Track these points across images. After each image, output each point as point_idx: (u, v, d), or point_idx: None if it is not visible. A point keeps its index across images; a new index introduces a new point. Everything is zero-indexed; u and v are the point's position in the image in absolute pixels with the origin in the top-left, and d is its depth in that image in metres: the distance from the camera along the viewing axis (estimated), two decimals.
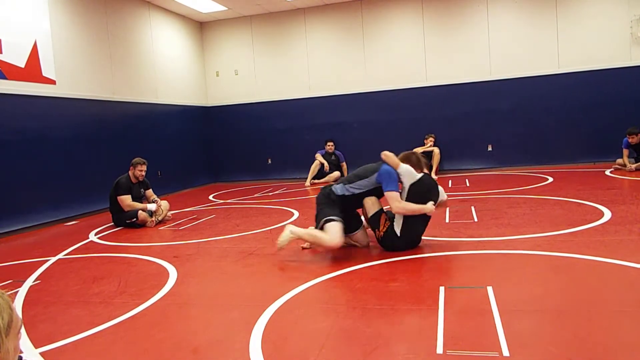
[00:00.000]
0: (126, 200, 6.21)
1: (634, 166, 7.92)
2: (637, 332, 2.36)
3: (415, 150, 9.61)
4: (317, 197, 4.19)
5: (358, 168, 4.25)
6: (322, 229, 3.93)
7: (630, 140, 8.06)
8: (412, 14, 10.07)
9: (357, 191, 4.05)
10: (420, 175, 4.07)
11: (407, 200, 3.95)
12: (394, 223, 3.96)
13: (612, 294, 2.88)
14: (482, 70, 9.78)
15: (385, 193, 3.94)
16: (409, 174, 4.02)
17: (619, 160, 8.24)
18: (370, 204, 4.05)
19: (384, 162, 4.03)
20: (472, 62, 9.80)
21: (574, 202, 5.63)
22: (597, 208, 5.19)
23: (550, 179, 7.75)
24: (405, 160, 4.15)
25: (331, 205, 4.01)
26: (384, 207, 4.10)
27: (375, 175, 3.99)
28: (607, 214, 4.84)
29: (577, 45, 9.30)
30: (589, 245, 3.82)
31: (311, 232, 3.99)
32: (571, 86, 9.35)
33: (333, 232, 3.86)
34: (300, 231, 4.03)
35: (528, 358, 2.14)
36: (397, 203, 3.88)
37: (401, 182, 4.03)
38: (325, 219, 3.92)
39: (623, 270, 3.22)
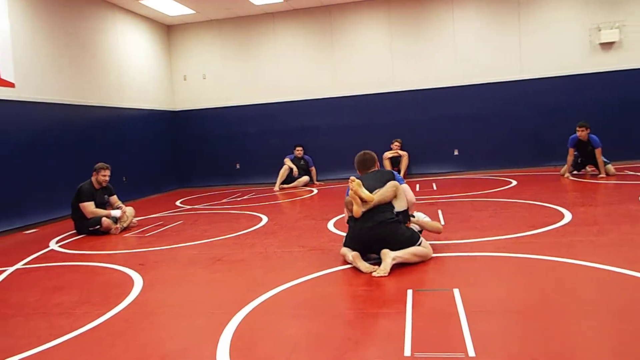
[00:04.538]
0: (89, 207, 6.03)
1: (570, 176, 7.95)
2: (599, 330, 2.44)
3: (384, 154, 9.82)
4: (390, 226, 3.76)
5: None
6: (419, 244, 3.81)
7: (579, 134, 7.86)
8: (379, 19, 10.20)
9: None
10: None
11: None
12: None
13: (574, 293, 2.97)
14: (449, 76, 9.96)
15: (404, 185, 4.09)
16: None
17: (562, 169, 8.24)
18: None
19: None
20: (439, 68, 9.98)
21: (536, 205, 5.80)
22: (558, 210, 5.35)
23: (514, 183, 7.96)
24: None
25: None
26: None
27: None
28: (568, 216, 5.00)
29: (538, 52, 9.60)
30: (551, 247, 3.93)
31: (411, 251, 3.72)
32: (533, 92, 9.64)
33: (428, 244, 3.91)
34: (402, 255, 3.66)
35: (493, 358, 2.18)
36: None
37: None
38: (419, 236, 3.89)
39: (583, 270, 3.33)
